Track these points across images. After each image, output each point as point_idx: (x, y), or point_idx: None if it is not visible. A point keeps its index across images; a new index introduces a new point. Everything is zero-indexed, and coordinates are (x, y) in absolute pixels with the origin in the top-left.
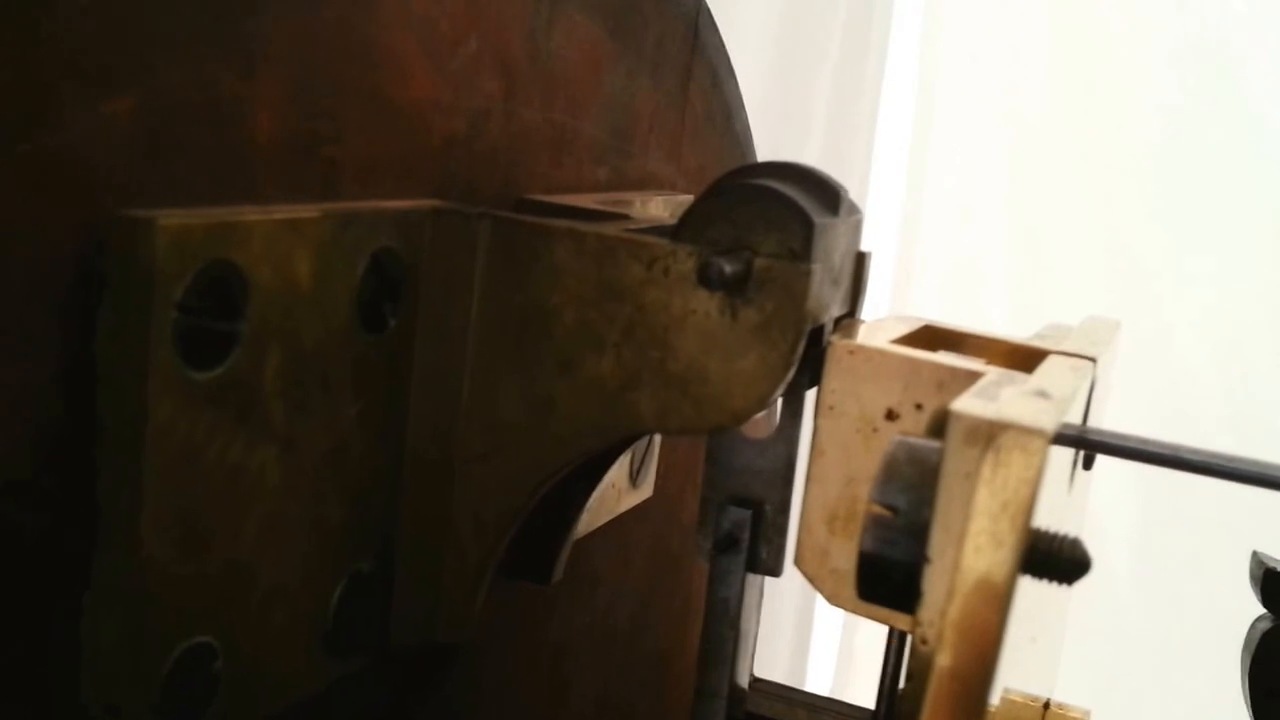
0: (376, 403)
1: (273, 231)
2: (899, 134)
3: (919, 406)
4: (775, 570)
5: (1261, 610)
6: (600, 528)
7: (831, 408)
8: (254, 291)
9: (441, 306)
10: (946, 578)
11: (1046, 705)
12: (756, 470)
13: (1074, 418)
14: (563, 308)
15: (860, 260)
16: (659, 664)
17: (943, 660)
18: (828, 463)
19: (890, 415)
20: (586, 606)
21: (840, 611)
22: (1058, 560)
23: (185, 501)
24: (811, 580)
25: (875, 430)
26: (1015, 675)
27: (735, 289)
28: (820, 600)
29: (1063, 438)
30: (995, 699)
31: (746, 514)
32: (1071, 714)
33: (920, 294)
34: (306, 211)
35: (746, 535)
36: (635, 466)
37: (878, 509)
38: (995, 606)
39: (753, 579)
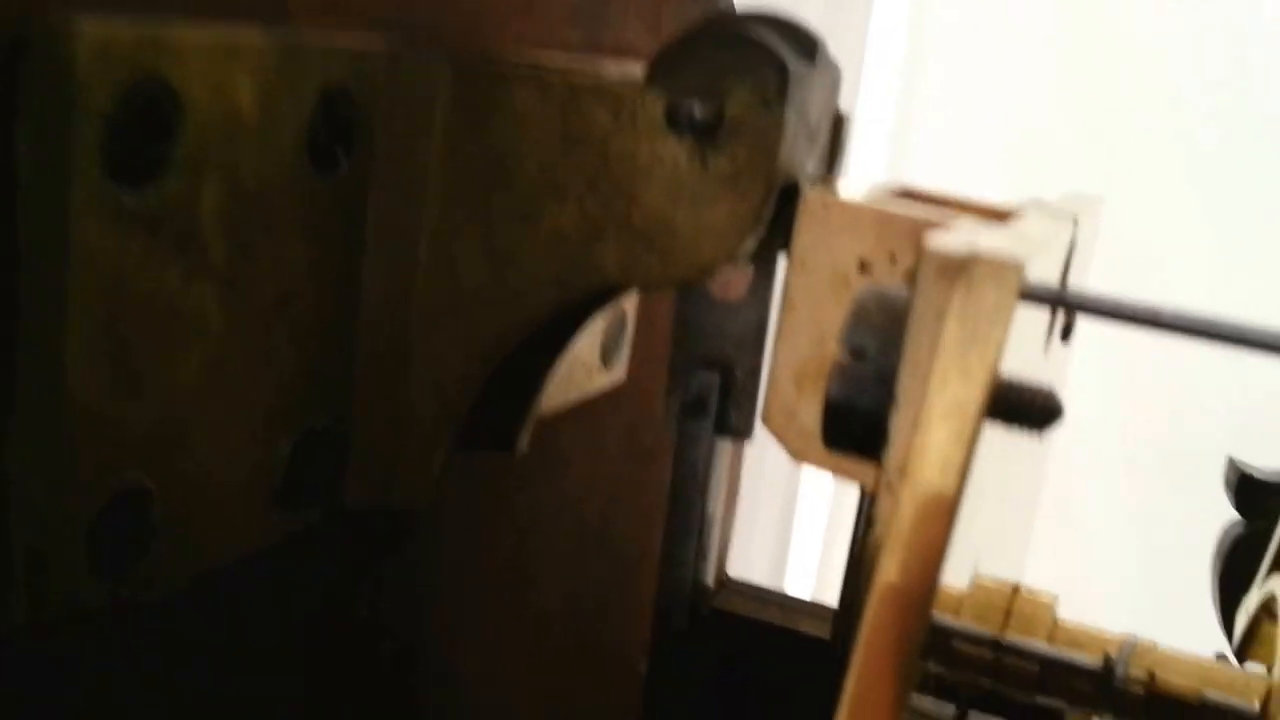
0: (328, 251)
1: (210, 53)
2: (896, 12)
3: (893, 258)
4: (745, 433)
5: (1235, 516)
6: (571, 410)
7: (803, 262)
8: (189, 113)
9: (398, 155)
10: (913, 418)
11: (1016, 589)
12: (727, 333)
13: (1052, 268)
14: (525, 157)
15: (838, 122)
16: (629, 561)
17: (907, 498)
18: (798, 318)
19: (863, 267)
20: (555, 490)
21: (822, 518)
22: (1030, 409)
23: (115, 333)
24: (778, 438)
25: (847, 284)
26: (982, 551)
27: (705, 135)
28: (801, 507)
29: (1038, 295)
30: (963, 575)
31: (715, 377)
32: (1040, 599)
33: (915, 171)
34: (249, 37)
35: (715, 398)
36: (607, 346)
37: (845, 353)
38: (962, 444)
39: (723, 445)
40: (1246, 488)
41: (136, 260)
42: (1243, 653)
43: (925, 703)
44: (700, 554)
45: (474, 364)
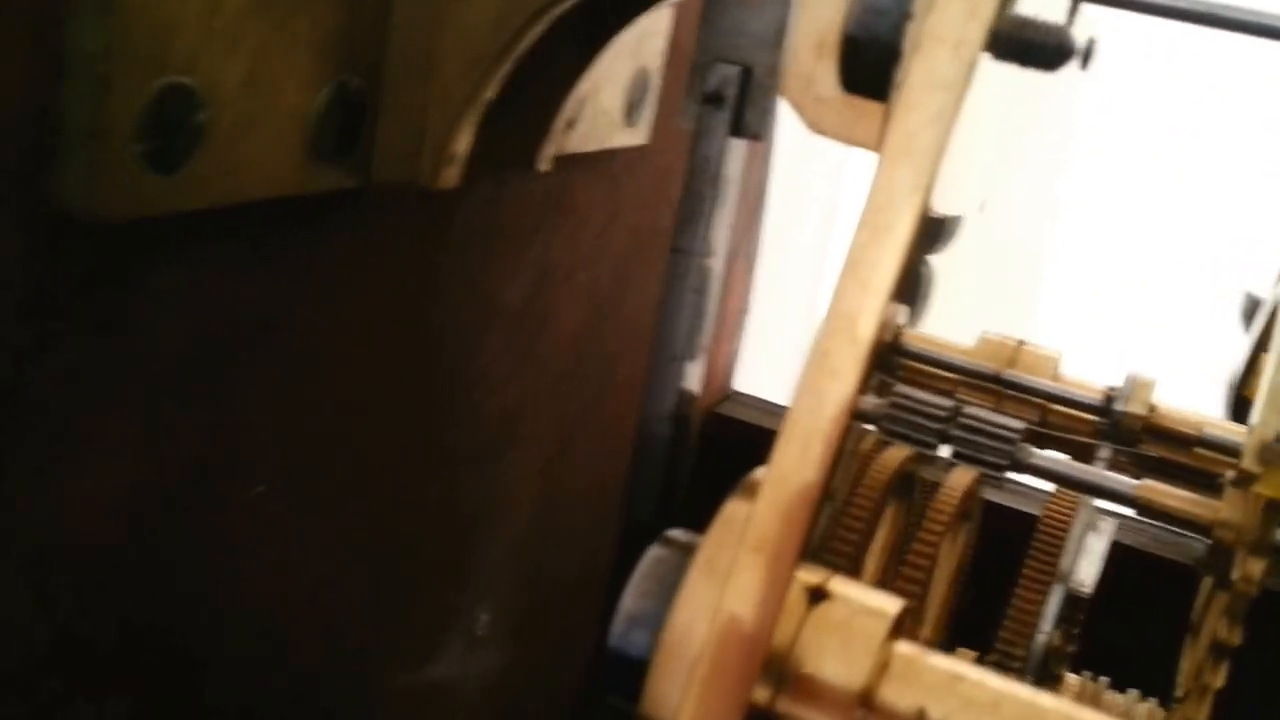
0: None
1: None
2: None
3: None
4: (759, 133)
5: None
6: (593, 166)
7: None
8: None
9: None
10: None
11: (1020, 343)
12: (749, 32)
13: None
14: None
15: None
16: (635, 329)
17: (918, 75)
18: None
19: None
20: (571, 243)
21: None
22: (1044, 45)
23: None
24: (795, 107)
25: None
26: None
27: None
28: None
29: None
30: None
31: (735, 71)
32: (1044, 351)
33: None
34: None
35: (733, 93)
36: (631, 103)
37: None
38: (978, 20)
39: (734, 145)
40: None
41: None
42: (1244, 386)
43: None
44: (709, 225)
45: (502, 41)
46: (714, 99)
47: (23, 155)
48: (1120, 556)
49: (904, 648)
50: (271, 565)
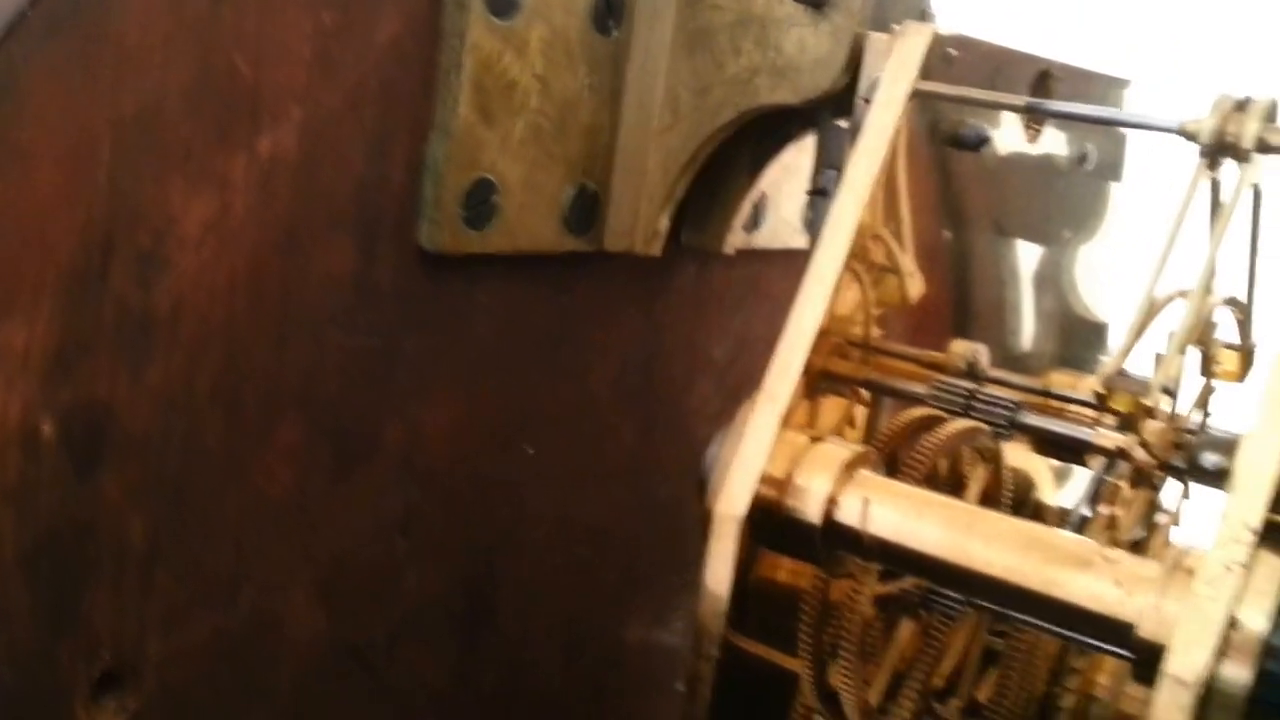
0: (601, 81)
1: None
2: None
3: None
4: None
5: None
6: (782, 262)
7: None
8: None
9: (647, 27)
10: None
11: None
12: (844, 147)
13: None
14: (720, 31)
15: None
16: None
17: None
18: None
19: None
20: (767, 320)
21: None
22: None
23: (485, 92)
24: None
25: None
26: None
27: (818, 7)
28: None
29: (1010, 104)
30: None
31: (835, 172)
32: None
33: None
34: None
35: (833, 188)
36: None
37: None
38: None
39: None
40: None
41: (497, 54)
42: None
43: None
44: None
45: (687, 155)
46: (821, 192)
47: (401, 215)
48: None
49: (864, 472)
50: (538, 509)
